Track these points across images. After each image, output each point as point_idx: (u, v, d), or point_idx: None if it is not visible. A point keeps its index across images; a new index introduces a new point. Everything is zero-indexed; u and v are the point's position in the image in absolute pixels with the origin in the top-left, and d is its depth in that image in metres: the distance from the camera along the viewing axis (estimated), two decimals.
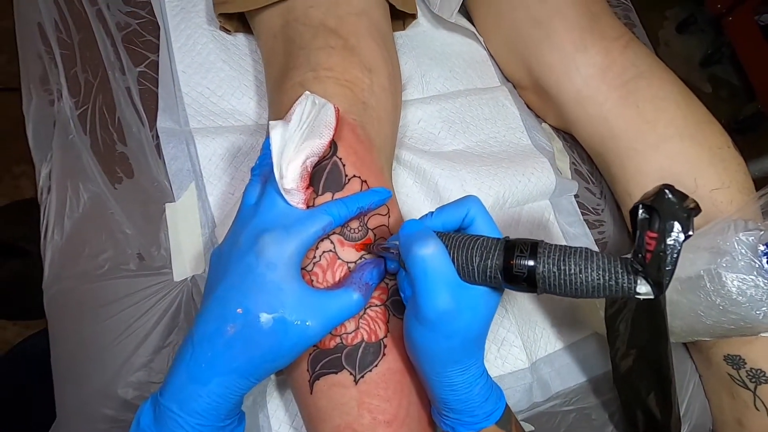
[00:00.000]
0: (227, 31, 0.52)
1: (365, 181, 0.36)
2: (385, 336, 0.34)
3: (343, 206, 0.33)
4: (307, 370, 0.34)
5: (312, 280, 0.34)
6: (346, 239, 0.35)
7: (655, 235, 0.23)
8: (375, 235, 0.36)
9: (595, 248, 0.54)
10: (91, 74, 0.48)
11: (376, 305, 0.35)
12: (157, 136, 0.46)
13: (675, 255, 0.23)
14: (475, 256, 0.28)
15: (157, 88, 0.48)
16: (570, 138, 0.60)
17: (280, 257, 0.30)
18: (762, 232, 0.37)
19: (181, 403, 0.28)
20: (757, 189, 0.45)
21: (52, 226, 0.42)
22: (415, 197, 0.49)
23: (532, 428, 0.46)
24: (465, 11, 0.62)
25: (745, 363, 0.46)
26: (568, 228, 0.54)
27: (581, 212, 0.56)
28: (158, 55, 0.50)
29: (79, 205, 0.43)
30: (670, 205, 0.23)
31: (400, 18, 0.55)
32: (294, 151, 0.31)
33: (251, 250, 0.30)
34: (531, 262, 0.26)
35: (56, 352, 0.40)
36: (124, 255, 0.42)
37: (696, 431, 0.50)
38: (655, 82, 0.50)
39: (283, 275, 0.30)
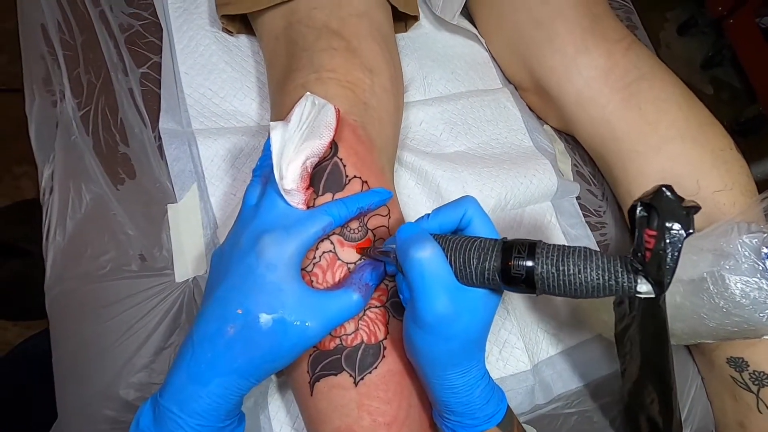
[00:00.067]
0: (230, 32, 0.52)
1: (366, 182, 0.36)
2: (385, 338, 0.34)
3: (343, 206, 0.33)
4: (307, 371, 0.34)
5: (312, 281, 0.34)
6: (346, 240, 0.35)
7: (654, 233, 0.23)
8: (375, 235, 0.36)
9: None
10: (93, 75, 0.48)
11: (376, 307, 0.35)
12: (160, 138, 0.46)
13: (676, 253, 0.23)
14: (473, 258, 0.27)
15: (160, 89, 0.48)
16: (572, 140, 0.60)
17: (280, 258, 0.30)
18: (765, 235, 0.37)
19: (181, 404, 0.28)
20: (760, 191, 0.45)
21: (54, 226, 0.42)
22: (417, 199, 0.49)
23: (534, 430, 0.46)
24: (467, 13, 0.62)
25: (748, 365, 0.46)
26: (569, 230, 0.54)
27: (583, 214, 0.56)
28: (161, 57, 0.50)
29: (81, 206, 0.43)
30: (669, 203, 0.23)
31: (402, 20, 0.55)
32: (294, 151, 0.31)
33: (252, 250, 0.30)
34: (529, 263, 0.26)
35: (58, 352, 0.40)
36: (126, 256, 0.42)
37: None
38: (657, 84, 0.50)
39: (283, 276, 0.29)
